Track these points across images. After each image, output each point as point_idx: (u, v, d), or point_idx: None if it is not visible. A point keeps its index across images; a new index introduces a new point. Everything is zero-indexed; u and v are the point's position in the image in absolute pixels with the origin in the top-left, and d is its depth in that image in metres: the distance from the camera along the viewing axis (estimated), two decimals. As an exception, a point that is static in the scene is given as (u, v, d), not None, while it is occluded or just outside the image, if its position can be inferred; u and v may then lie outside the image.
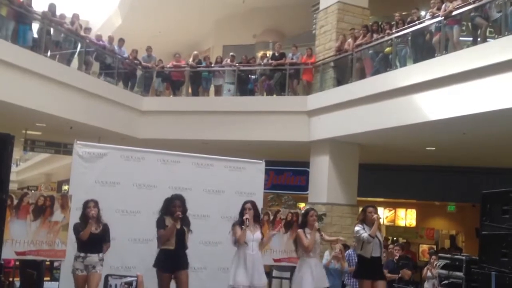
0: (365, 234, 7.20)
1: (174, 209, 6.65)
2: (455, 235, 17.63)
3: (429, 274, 9.70)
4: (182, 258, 6.68)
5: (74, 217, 7.13)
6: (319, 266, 7.38)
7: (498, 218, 6.02)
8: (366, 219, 7.38)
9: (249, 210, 6.79)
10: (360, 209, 7.86)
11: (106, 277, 1.94)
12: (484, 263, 6.18)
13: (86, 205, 6.81)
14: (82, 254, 6.64)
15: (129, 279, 1.81)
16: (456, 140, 10.92)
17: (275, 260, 8.55)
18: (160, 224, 6.66)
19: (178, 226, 6.62)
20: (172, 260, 6.58)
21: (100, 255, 6.72)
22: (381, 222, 9.92)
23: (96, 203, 6.83)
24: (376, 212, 7.43)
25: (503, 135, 10.04)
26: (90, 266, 6.60)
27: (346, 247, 10.23)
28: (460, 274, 7.43)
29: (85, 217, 6.75)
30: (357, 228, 7.40)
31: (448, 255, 8.46)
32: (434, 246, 16.69)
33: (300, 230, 7.29)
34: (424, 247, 17.00)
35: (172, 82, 14.78)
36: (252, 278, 6.68)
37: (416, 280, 11.87)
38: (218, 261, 7.73)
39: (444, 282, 7.81)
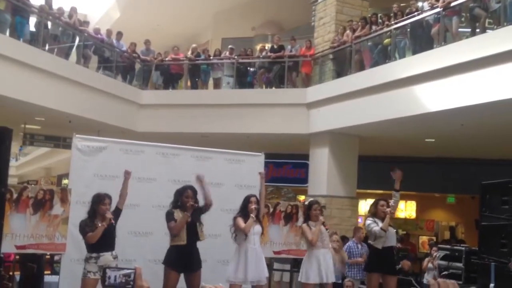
0: (376, 228, 7.09)
1: (186, 199, 6.44)
2: (455, 226, 17.67)
3: (430, 265, 9.73)
4: (195, 256, 6.50)
5: (74, 210, 7.13)
6: (328, 259, 7.23)
7: (497, 208, 6.05)
8: (377, 213, 7.28)
9: (255, 203, 6.77)
10: (372, 201, 7.78)
11: (104, 269, 1.94)
12: (483, 254, 6.21)
13: (100, 200, 6.26)
14: (94, 255, 6.14)
15: (127, 271, 1.82)
16: (455, 131, 10.92)
17: (275, 253, 8.55)
18: (170, 217, 6.45)
19: (189, 219, 6.41)
20: (184, 259, 6.41)
21: (114, 252, 6.26)
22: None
23: (111, 200, 6.30)
24: (388, 206, 7.32)
25: (502, 126, 10.04)
26: (106, 266, 5.77)
27: (345, 238, 10.27)
28: (460, 264, 7.46)
29: (94, 214, 6.21)
30: (368, 221, 7.30)
31: (448, 246, 8.49)
32: (434, 238, 16.73)
33: (304, 225, 7.23)
34: (424, 238, 17.05)
35: (170, 76, 14.74)
36: (253, 273, 6.65)
37: (416, 271, 11.92)
38: (218, 253, 7.73)
39: (444, 272, 7.84)
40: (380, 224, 7.13)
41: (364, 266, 8.01)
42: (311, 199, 7.86)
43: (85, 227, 6.18)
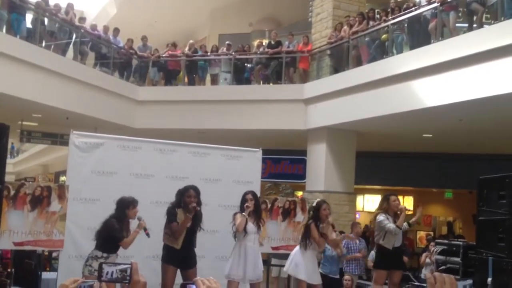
0: (391, 225, 7.01)
1: (188, 199, 6.37)
2: (452, 221, 17.69)
3: (427, 260, 9.74)
4: (189, 257, 6.53)
5: (71, 207, 7.12)
6: (315, 262, 7.31)
7: (495, 203, 6.04)
8: (389, 209, 7.21)
9: (250, 201, 6.75)
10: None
11: (101, 264, 1.95)
12: (481, 248, 6.21)
13: (131, 204, 6.28)
14: (105, 255, 6.15)
15: (123, 266, 1.82)
16: (453, 126, 10.93)
17: (273, 248, 8.57)
18: (171, 217, 6.41)
19: (189, 225, 6.39)
20: (178, 259, 6.47)
21: (117, 253, 6.34)
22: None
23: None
24: (399, 202, 7.30)
25: (500, 121, 10.05)
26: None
27: (342, 234, 10.26)
28: (458, 259, 7.46)
29: (124, 217, 6.25)
30: (381, 217, 7.18)
31: (446, 241, 8.49)
32: (432, 233, 16.75)
33: (313, 225, 7.06)
34: (421, 234, 17.06)
35: (168, 72, 14.71)
36: (250, 271, 6.68)
37: (414, 266, 11.95)
38: (216, 249, 7.74)
39: (441, 267, 7.84)
40: (392, 221, 7.09)
41: (373, 265, 7.97)
42: (319, 199, 7.77)
43: (121, 232, 6.15)
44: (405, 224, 7.32)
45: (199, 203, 6.47)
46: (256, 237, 6.84)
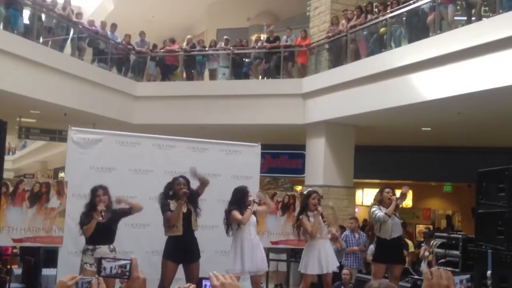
0: (380, 213, 7.13)
1: (178, 187, 6.46)
2: (452, 215, 17.72)
3: (426, 254, 9.75)
4: (192, 246, 6.55)
5: (70, 203, 7.12)
6: (328, 248, 7.26)
7: (494, 196, 6.05)
8: (383, 200, 7.32)
9: (250, 196, 6.79)
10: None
11: (100, 260, 1.95)
12: (480, 241, 6.22)
13: (94, 192, 6.32)
14: (90, 247, 6.21)
15: (123, 262, 1.82)
16: (451, 120, 10.92)
17: (273, 243, 8.58)
18: (165, 207, 6.48)
19: (185, 210, 6.46)
20: (182, 249, 6.46)
21: (111, 246, 6.33)
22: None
23: (106, 191, 6.35)
24: (393, 194, 7.37)
25: (498, 114, 10.05)
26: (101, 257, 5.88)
27: (342, 228, 10.29)
28: (457, 252, 7.47)
29: (92, 207, 6.27)
30: (373, 209, 7.35)
31: (445, 234, 8.50)
32: (431, 227, 16.78)
33: (303, 217, 7.13)
34: (420, 227, 17.09)
35: (165, 67, 14.68)
36: (250, 263, 6.67)
37: (414, 260, 11.95)
38: (215, 244, 7.74)
39: (441, 261, 7.84)
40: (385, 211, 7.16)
41: (372, 258, 8.01)
42: (310, 189, 7.85)
43: (84, 219, 6.23)
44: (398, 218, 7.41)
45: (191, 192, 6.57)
46: (253, 229, 6.82)
